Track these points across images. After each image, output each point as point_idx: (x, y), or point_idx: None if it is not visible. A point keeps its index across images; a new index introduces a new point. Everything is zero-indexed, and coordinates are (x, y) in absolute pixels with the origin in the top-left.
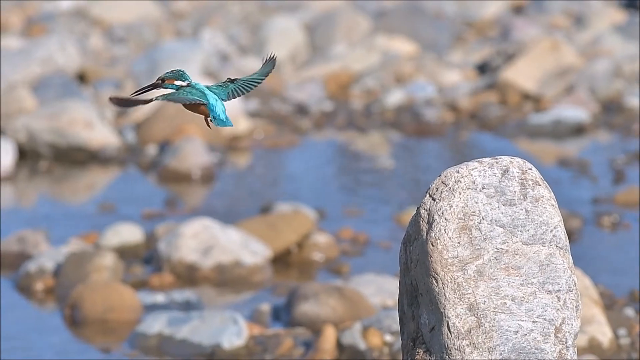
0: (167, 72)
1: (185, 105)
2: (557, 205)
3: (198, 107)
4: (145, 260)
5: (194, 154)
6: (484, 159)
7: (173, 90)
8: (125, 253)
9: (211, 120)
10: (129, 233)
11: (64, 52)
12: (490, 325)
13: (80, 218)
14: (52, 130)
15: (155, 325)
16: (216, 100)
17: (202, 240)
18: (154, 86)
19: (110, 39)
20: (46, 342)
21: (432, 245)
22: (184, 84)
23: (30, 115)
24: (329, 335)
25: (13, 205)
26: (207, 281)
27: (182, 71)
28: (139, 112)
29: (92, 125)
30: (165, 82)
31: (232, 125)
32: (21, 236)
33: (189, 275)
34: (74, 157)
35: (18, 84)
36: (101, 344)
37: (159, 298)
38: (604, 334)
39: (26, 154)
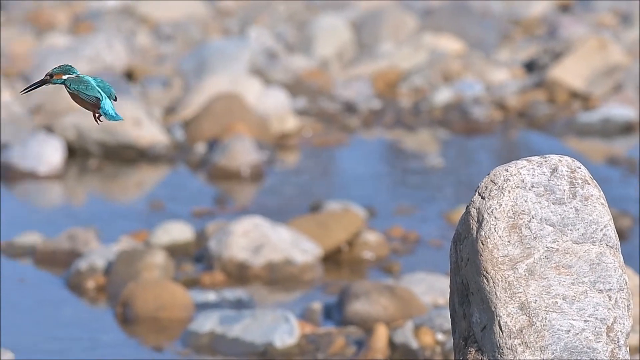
0: (55, 68)
1: (73, 98)
2: (606, 204)
3: (83, 102)
4: (195, 258)
5: (243, 152)
6: (533, 158)
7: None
8: (175, 251)
9: (100, 116)
10: (179, 231)
11: (112, 50)
12: (542, 324)
13: (130, 216)
14: (101, 128)
15: (207, 323)
16: (105, 98)
17: (252, 238)
18: (43, 82)
19: (158, 36)
20: (98, 340)
21: (482, 244)
22: (73, 77)
23: (79, 113)
24: (381, 334)
25: (63, 203)
26: (258, 279)
27: (70, 66)
28: (188, 110)
29: (141, 123)
30: (53, 77)
31: (122, 119)
32: (72, 234)
33: (239, 274)
34: (123, 155)
35: None
36: (153, 342)
37: (211, 296)
38: None
39: (75, 152)
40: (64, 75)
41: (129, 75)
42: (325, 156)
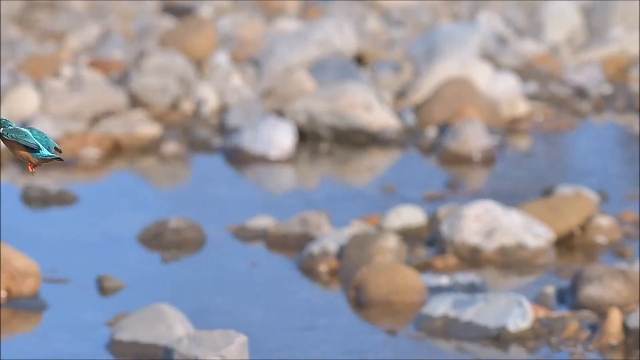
0: None
1: (10, 148)
2: None
3: (19, 151)
4: (428, 242)
5: (474, 136)
6: None
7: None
8: (407, 235)
9: (34, 167)
10: (411, 215)
11: (342, 34)
12: None
13: (361, 200)
14: (332, 112)
15: (440, 307)
16: (42, 148)
17: (484, 222)
18: None
19: (388, 21)
20: (332, 323)
21: None
22: (9, 129)
23: (309, 97)
24: (615, 319)
25: (295, 187)
26: (490, 263)
27: (5, 119)
28: (418, 95)
29: (372, 107)
30: None
31: (56, 157)
32: (304, 218)
33: (472, 258)
34: (354, 139)
35: (296, 66)
36: (386, 326)
37: (443, 280)
38: None
39: (306, 136)
40: (1, 128)
41: (359, 60)
42: (556, 141)
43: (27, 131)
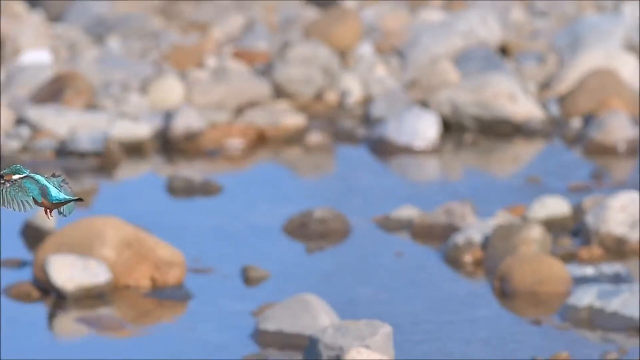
0: (6, 169)
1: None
2: None
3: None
4: (572, 233)
5: (619, 127)
6: None
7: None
8: (552, 225)
9: (50, 211)
10: (556, 206)
11: (486, 25)
12: None
13: (506, 190)
14: (476, 103)
15: (585, 298)
16: (58, 193)
17: (630, 213)
18: None
19: (532, 12)
20: (476, 313)
21: None
22: (23, 176)
23: (454, 88)
24: None
25: (439, 177)
26: (635, 254)
27: (19, 166)
28: (563, 86)
29: (516, 98)
30: (4, 178)
31: (73, 198)
32: (448, 208)
33: (617, 248)
34: (499, 130)
35: (441, 57)
36: (531, 316)
37: (588, 271)
38: None
39: (451, 127)
40: (14, 175)
41: (503, 51)
42: None
43: (41, 178)
